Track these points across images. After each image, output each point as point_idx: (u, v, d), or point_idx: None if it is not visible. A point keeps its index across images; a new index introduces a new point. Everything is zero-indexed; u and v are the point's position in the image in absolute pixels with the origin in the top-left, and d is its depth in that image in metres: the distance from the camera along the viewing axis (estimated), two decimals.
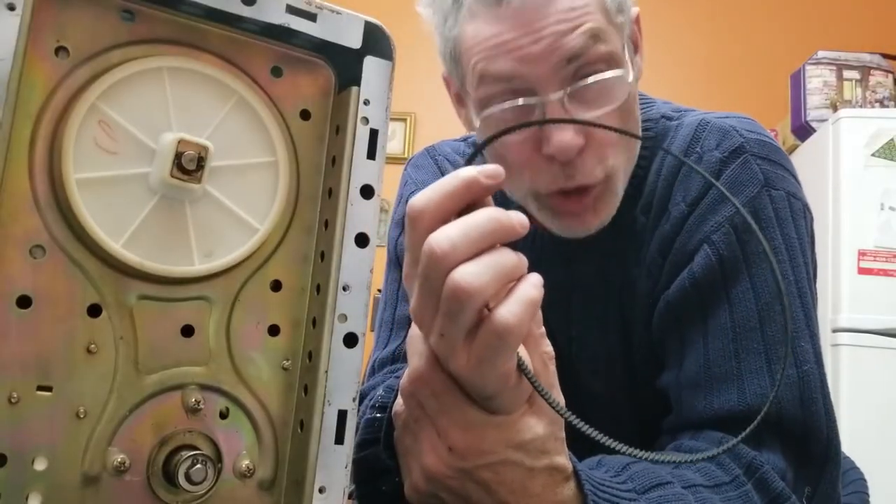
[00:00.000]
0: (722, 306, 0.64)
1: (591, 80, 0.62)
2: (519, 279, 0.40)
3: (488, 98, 0.66)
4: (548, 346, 0.45)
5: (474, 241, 0.39)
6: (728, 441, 0.59)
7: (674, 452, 0.60)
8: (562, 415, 0.41)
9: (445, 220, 0.40)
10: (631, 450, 0.41)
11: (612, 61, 0.64)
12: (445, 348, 0.41)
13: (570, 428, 0.43)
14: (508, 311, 0.39)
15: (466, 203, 0.40)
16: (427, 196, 0.40)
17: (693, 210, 0.68)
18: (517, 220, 0.40)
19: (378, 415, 0.53)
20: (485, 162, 0.84)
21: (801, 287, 0.65)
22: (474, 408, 0.43)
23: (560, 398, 0.46)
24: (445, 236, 0.38)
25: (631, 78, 0.65)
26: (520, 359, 0.42)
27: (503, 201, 0.82)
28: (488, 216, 0.39)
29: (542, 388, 0.41)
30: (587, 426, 0.41)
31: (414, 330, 0.44)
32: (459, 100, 0.77)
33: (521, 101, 0.63)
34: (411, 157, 0.92)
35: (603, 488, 0.48)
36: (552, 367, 0.45)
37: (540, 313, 0.44)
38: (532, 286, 0.40)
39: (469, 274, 0.38)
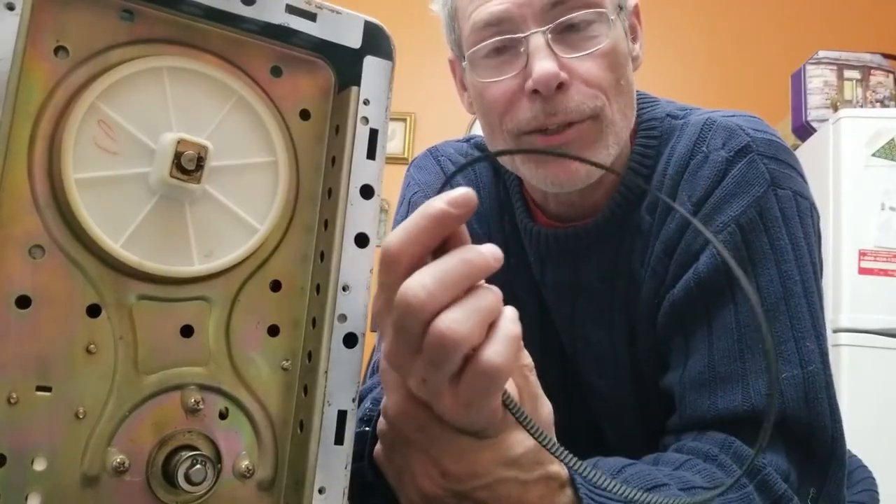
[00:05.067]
0: (727, 306, 0.64)
1: (573, 15, 0.66)
2: (497, 317, 0.39)
3: (478, 43, 0.69)
4: (527, 359, 0.44)
5: (449, 287, 0.37)
6: (732, 443, 0.59)
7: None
8: (539, 441, 0.40)
9: (423, 260, 0.38)
10: (626, 489, 0.40)
11: (597, 7, 0.66)
12: (429, 394, 0.40)
13: (569, 425, 0.43)
14: (495, 351, 0.37)
15: (442, 238, 0.39)
16: (400, 238, 0.38)
17: (699, 210, 0.68)
18: (490, 254, 0.38)
19: (366, 428, 0.53)
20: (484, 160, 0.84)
21: (807, 287, 0.65)
22: (462, 435, 0.43)
23: (546, 406, 0.45)
24: (420, 285, 0.37)
25: (616, 31, 0.68)
26: (505, 394, 0.40)
27: (495, 174, 0.83)
28: (461, 259, 0.38)
29: (528, 423, 0.40)
30: (566, 452, 0.40)
31: (385, 363, 0.43)
32: (462, 83, 0.78)
33: (503, 37, 0.67)
34: (414, 157, 0.92)
35: (598, 491, 0.48)
36: (533, 378, 0.45)
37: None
38: (511, 322, 0.39)
39: (454, 322, 0.36)
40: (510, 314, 0.40)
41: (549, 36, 0.65)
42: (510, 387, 0.42)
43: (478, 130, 0.80)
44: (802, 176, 0.71)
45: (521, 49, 0.66)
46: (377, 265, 0.39)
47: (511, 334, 0.39)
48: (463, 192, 0.38)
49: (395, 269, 0.39)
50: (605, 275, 0.75)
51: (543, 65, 0.64)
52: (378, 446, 0.49)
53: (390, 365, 0.41)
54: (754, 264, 0.65)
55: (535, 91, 0.65)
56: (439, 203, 0.38)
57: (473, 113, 0.77)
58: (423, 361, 0.38)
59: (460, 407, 0.40)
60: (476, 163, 0.84)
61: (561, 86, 0.65)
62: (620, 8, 0.70)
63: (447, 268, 0.38)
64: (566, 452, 0.39)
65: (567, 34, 0.66)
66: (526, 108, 0.67)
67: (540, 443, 0.40)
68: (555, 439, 0.41)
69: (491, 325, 0.39)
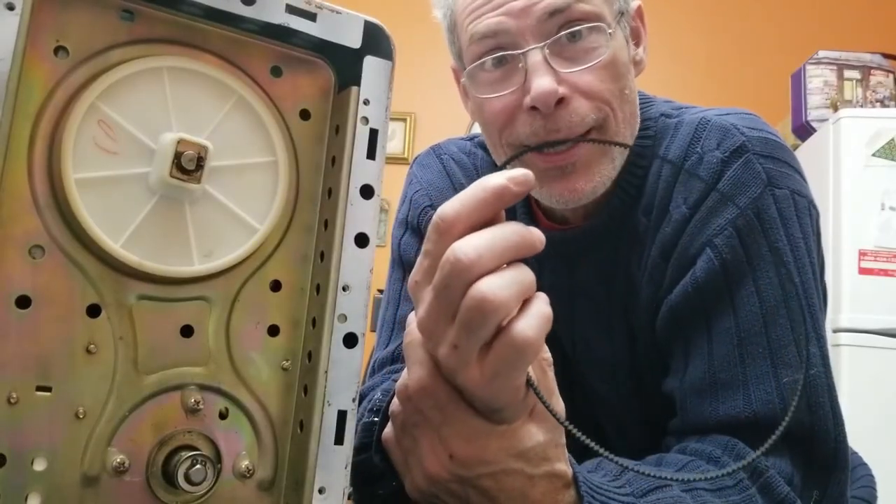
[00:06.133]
0: (726, 311, 0.64)
1: (571, 29, 0.65)
2: (532, 295, 0.40)
3: (476, 56, 0.69)
4: (546, 353, 0.45)
5: (499, 255, 0.38)
6: (735, 445, 0.59)
7: (672, 466, 0.59)
8: (566, 427, 0.41)
9: (474, 231, 0.39)
10: (636, 465, 0.41)
11: (595, 20, 0.66)
12: (457, 361, 0.40)
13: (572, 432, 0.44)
14: (527, 325, 0.38)
15: (496, 213, 0.40)
16: (457, 207, 0.39)
17: (695, 212, 0.67)
18: (537, 236, 0.40)
19: (375, 419, 0.53)
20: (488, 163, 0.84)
21: (806, 289, 0.64)
22: (477, 418, 0.43)
23: (560, 403, 0.46)
24: (472, 247, 0.38)
25: (616, 41, 0.67)
26: (529, 375, 0.41)
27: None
28: (514, 230, 0.39)
29: (549, 404, 0.42)
30: (590, 439, 0.41)
31: (411, 336, 0.44)
32: (465, 91, 0.78)
33: (501, 53, 0.66)
34: (417, 155, 0.92)
35: (600, 492, 0.48)
36: (551, 373, 0.45)
37: None
38: (544, 303, 0.40)
39: (496, 287, 0.38)
40: (542, 296, 0.41)
41: (547, 51, 0.65)
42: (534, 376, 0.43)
43: (478, 130, 0.80)
44: (800, 173, 0.70)
45: (520, 64, 0.66)
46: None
47: (543, 313, 0.40)
48: (522, 172, 0.40)
49: (447, 236, 0.39)
50: (602, 278, 0.75)
51: (541, 82, 0.64)
52: (388, 428, 0.49)
53: (422, 331, 0.42)
54: (753, 267, 0.64)
55: (534, 108, 0.65)
56: (500, 178, 0.39)
57: (476, 120, 0.77)
58: (458, 325, 0.39)
59: (486, 379, 0.40)
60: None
61: (561, 101, 0.64)
62: (621, 14, 0.69)
63: (500, 235, 0.39)
64: (581, 435, 0.40)
65: (565, 47, 0.66)
66: (525, 123, 0.66)
67: (560, 423, 0.41)
68: (566, 432, 0.42)
69: (525, 303, 0.40)
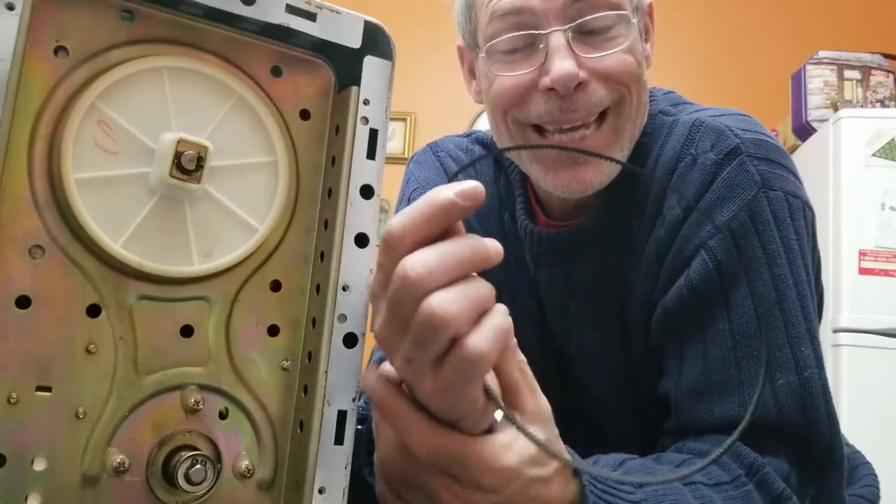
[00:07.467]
0: (720, 313, 0.64)
1: (597, 14, 0.66)
2: (488, 309, 0.39)
3: (497, 33, 0.69)
4: (520, 355, 0.44)
5: (449, 269, 0.37)
6: (727, 446, 0.58)
7: (656, 469, 0.59)
8: (525, 433, 0.40)
9: (424, 245, 0.38)
10: (618, 475, 0.40)
11: (618, 10, 0.67)
12: (412, 374, 0.40)
13: (570, 424, 0.43)
14: (481, 338, 0.38)
15: (445, 227, 0.39)
16: (403, 222, 0.39)
17: (688, 214, 0.67)
18: (493, 248, 0.39)
19: (359, 427, 0.52)
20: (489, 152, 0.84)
21: (801, 291, 0.64)
22: (479, 453, 0.42)
23: (543, 401, 0.45)
24: (421, 262, 0.37)
25: (635, 29, 0.68)
26: (485, 383, 0.41)
27: (497, 168, 0.83)
28: (465, 244, 0.38)
29: (509, 413, 0.40)
30: (568, 443, 0.40)
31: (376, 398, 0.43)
32: (471, 71, 0.78)
33: (523, 32, 0.66)
34: (414, 153, 0.92)
35: (601, 480, 0.48)
36: (529, 373, 0.44)
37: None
38: (502, 316, 0.39)
39: (445, 301, 0.37)
40: (501, 309, 0.40)
41: (570, 35, 0.65)
42: (493, 383, 0.42)
43: (477, 128, 0.80)
44: (795, 174, 0.70)
45: (541, 46, 0.66)
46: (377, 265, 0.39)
47: (499, 326, 0.39)
48: (472, 185, 0.39)
49: (396, 251, 0.39)
50: (597, 276, 0.75)
51: (563, 64, 0.64)
52: (382, 487, 0.48)
53: (379, 342, 0.41)
54: (747, 269, 0.64)
55: (552, 89, 0.65)
56: (447, 192, 0.38)
57: (480, 102, 0.77)
58: (410, 340, 0.38)
59: (440, 391, 0.39)
60: (484, 158, 0.84)
61: (579, 84, 0.65)
62: (636, 9, 0.70)
63: (451, 250, 0.38)
64: (538, 440, 0.40)
65: (587, 34, 0.66)
66: (539, 103, 0.67)
67: (519, 428, 0.40)
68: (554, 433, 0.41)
69: (481, 316, 0.39)
